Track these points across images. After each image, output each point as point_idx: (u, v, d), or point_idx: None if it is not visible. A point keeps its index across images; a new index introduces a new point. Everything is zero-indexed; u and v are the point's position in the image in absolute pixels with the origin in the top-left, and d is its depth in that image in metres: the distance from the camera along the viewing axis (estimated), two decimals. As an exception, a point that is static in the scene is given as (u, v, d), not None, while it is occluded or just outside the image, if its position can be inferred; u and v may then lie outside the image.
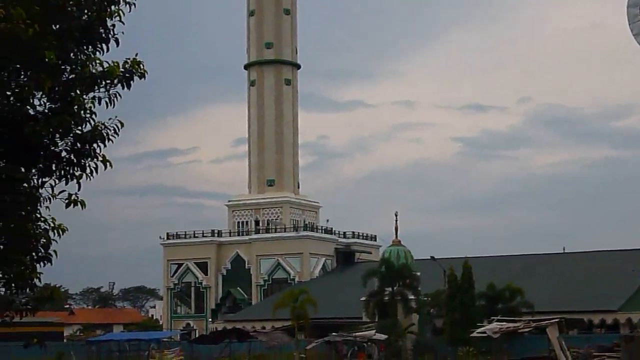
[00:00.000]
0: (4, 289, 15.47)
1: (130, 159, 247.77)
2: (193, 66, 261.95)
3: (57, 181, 15.03)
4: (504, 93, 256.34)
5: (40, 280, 15.57)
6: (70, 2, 14.83)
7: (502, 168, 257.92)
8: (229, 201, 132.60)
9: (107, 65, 15.06)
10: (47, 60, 14.03)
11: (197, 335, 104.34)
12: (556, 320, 56.87)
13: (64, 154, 14.92)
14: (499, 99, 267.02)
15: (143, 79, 15.38)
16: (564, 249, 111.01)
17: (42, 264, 15.33)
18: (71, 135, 14.89)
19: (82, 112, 14.91)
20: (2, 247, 15.06)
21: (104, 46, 15.20)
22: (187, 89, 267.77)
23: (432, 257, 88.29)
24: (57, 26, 14.64)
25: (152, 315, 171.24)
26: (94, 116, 15.06)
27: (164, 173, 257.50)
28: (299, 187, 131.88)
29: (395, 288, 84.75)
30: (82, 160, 14.98)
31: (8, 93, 14.42)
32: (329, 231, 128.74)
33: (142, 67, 15.32)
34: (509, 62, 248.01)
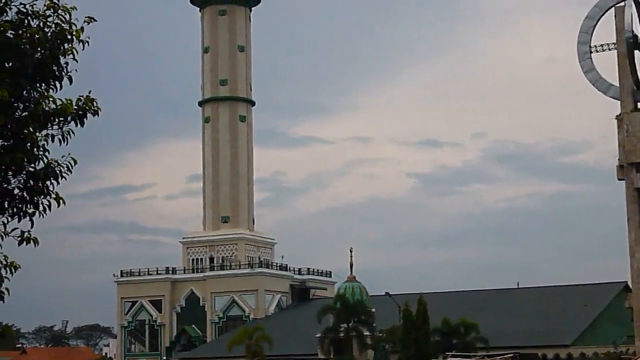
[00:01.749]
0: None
1: (85, 196, 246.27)
2: (148, 103, 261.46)
3: (9, 219, 14.99)
4: (458, 129, 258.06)
5: (-9, 319, 15.48)
6: (24, 40, 14.87)
7: (457, 203, 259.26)
8: (184, 238, 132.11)
9: (61, 102, 15.08)
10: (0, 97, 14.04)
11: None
12: (510, 355, 57.16)
13: (16, 191, 14.90)
14: (454, 135, 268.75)
15: (97, 116, 15.41)
16: (518, 284, 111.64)
17: (-7, 302, 15.25)
18: (24, 172, 14.87)
19: (35, 149, 14.91)
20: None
21: (58, 84, 15.23)
22: (142, 126, 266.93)
23: (387, 293, 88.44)
24: (11, 64, 14.66)
25: (106, 354, 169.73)
26: (47, 154, 15.06)
27: (119, 209, 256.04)
28: (254, 224, 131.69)
29: (350, 324, 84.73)
30: (35, 198, 14.96)
31: (-40, 130, 14.41)
32: (284, 268, 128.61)
33: (95, 105, 15.36)
34: (463, 97, 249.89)
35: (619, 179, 49.29)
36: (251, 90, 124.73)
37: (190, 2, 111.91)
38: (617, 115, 49.94)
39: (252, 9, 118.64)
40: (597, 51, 52.14)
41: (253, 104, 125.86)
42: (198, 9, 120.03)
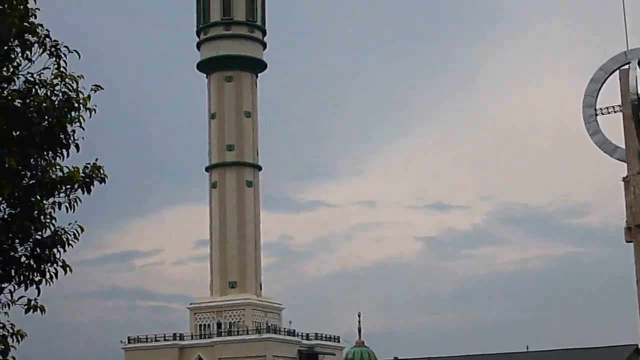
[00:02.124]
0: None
1: (92, 262, 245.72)
2: (155, 168, 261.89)
3: (16, 287, 14.96)
4: (465, 192, 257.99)
5: (-2, 389, 15.39)
6: (31, 108, 14.95)
7: (466, 266, 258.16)
8: (191, 304, 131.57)
9: (68, 170, 15.12)
10: (7, 166, 14.07)
11: None
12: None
13: (23, 259, 14.89)
14: (461, 198, 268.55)
15: (103, 183, 15.44)
16: (527, 348, 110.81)
17: (0, 371, 15.18)
18: (31, 240, 14.87)
19: (42, 217, 14.93)
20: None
21: (65, 151, 15.28)
22: (150, 191, 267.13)
23: (396, 358, 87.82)
24: (18, 132, 14.73)
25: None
26: (54, 221, 15.08)
27: (126, 276, 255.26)
28: (261, 289, 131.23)
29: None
30: (42, 266, 14.94)
31: (-33, 199, 14.43)
32: (291, 333, 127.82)
33: (102, 172, 15.40)
34: (470, 160, 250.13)
35: (627, 241, 49.15)
36: (258, 155, 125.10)
37: (198, 68, 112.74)
38: (623, 178, 49.92)
39: (259, 75, 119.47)
40: (602, 114, 52.28)
41: (260, 168, 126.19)
42: (205, 75, 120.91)
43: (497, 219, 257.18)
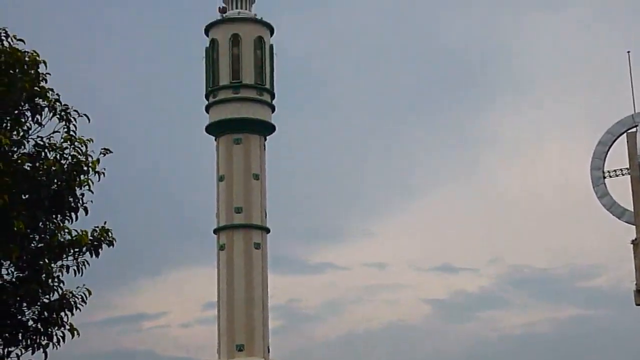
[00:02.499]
0: None
1: (99, 324, 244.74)
2: (163, 231, 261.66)
3: (23, 350, 14.92)
4: (474, 254, 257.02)
5: None
6: (41, 172, 15.03)
7: (474, 329, 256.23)
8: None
9: (76, 233, 15.17)
10: (16, 229, 14.12)
11: None
12: None
13: (31, 323, 14.86)
14: (470, 260, 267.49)
15: (112, 246, 15.47)
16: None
17: None
18: (39, 304, 14.87)
19: (50, 280, 14.94)
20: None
21: (73, 215, 15.34)
22: (157, 254, 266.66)
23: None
24: (27, 196, 14.80)
25: None
26: (62, 285, 15.08)
27: (134, 338, 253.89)
28: (269, 352, 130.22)
29: None
30: (49, 329, 14.92)
31: (-24, 262, 14.46)
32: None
33: (110, 235, 15.45)
34: (478, 222, 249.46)
35: (637, 304, 48.90)
36: (266, 217, 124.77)
37: (206, 131, 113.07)
38: (632, 240, 49.80)
39: (267, 137, 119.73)
40: (610, 176, 52.30)
41: (268, 231, 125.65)
42: (214, 138, 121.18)
43: (505, 281, 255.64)
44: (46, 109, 15.41)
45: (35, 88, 15.30)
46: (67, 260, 15.18)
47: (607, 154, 52.84)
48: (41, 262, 14.92)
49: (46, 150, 15.31)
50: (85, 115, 15.65)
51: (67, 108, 15.56)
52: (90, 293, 15.14)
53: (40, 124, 15.42)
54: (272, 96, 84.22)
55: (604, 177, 52.52)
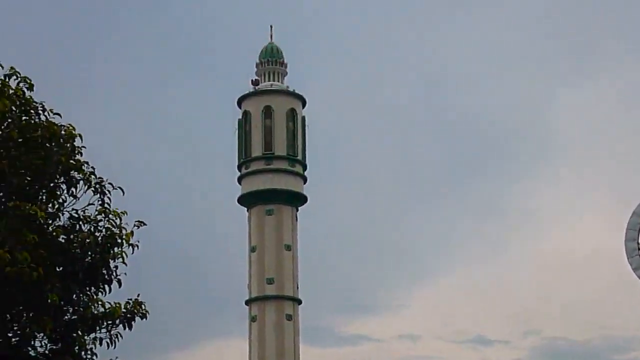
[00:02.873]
0: None
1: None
2: (195, 302, 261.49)
3: (56, 423, 14.91)
4: (508, 326, 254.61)
5: None
6: (75, 244, 15.13)
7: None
8: None
9: (109, 306, 15.21)
10: (49, 301, 14.18)
11: None
12: None
13: (62, 396, 14.87)
14: (504, 333, 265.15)
15: (145, 319, 15.50)
16: None
17: None
18: (72, 376, 14.89)
19: (83, 353, 14.96)
20: None
21: (107, 287, 15.39)
22: (189, 326, 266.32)
23: None
24: (61, 268, 14.88)
25: None
26: (95, 357, 15.10)
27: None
28: None
29: None
30: (83, 401, 14.92)
31: (9, 335, 14.49)
32: None
33: (144, 308, 15.48)
34: (512, 294, 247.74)
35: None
36: (298, 288, 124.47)
37: (238, 202, 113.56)
38: (668, 313, 49.30)
39: (299, 208, 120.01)
40: (645, 248, 51.89)
41: (300, 302, 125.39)
42: (246, 208, 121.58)
43: (540, 354, 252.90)
44: (81, 181, 15.55)
45: (71, 161, 15.47)
46: (100, 332, 15.21)
47: (641, 225, 52.48)
48: (74, 335, 14.96)
49: (81, 222, 15.42)
50: (119, 188, 15.78)
51: (102, 181, 15.70)
52: (122, 366, 15.15)
53: (75, 197, 15.55)
54: (304, 167, 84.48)
55: (639, 249, 52.13)
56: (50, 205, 15.27)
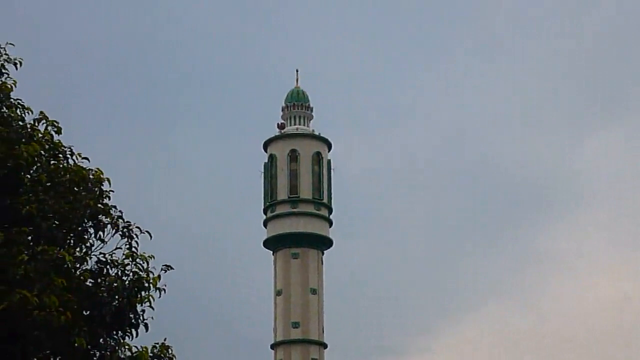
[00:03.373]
0: None
1: None
2: (221, 345, 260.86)
3: None
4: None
5: None
6: (102, 288, 15.18)
7: None
8: None
9: (136, 350, 15.21)
10: (77, 346, 14.19)
11: None
12: None
13: None
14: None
15: (171, 363, 15.49)
16: None
17: None
18: (98, 421, 14.86)
19: (110, 397, 14.95)
20: None
21: (134, 331, 15.40)
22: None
23: None
24: (88, 312, 14.90)
25: None
26: (122, 401, 15.08)
27: None
28: None
29: None
30: None
31: (38, 379, 14.50)
32: None
33: (170, 352, 15.48)
34: (535, 340, 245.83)
35: None
36: (323, 332, 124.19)
37: (264, 245, 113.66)
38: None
39: (325, 252, 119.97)
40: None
41: (325, 346, 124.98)
42: (271, 252, 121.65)
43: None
44: (109, 225, 15.62)
45: (99, 205, 15.55)
46: (128, 376, 15.20)
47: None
48: (102, 379, 14.97)
49: (108, 266, 15.47)
50: (147, 232, 15.83)
51: (130, 225, 15.77)
52: (150, 410, 15.12)
53: (102, 241, 15.62)
54: (330, 211, 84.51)
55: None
56: (78, 249, 15.33)
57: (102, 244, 15.60)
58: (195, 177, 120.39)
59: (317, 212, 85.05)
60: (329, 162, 78.39)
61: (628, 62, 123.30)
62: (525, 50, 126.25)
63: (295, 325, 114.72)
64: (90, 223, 15.45)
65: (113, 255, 15.60)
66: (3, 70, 15.93)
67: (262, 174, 79.06)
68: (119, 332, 15.29)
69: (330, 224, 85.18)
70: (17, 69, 15.98)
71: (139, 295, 15.38)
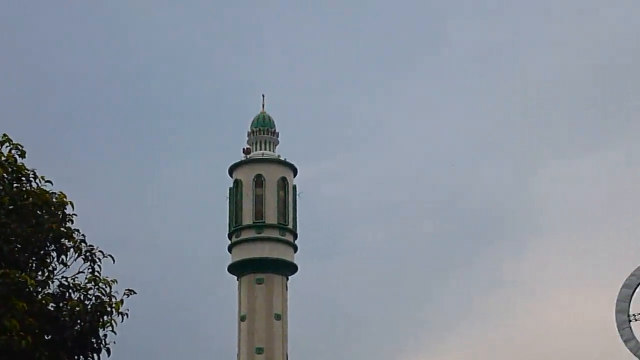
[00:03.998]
0: None
1: None
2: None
3: None
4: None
5: None
6: (64, 312, 15.09)
7: None
8: None
9: (98, 375, 15.13)
10: (38, 371, 14.11)
11: None
12: None
13: None
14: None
15: (133, 389, 15.40)
16: None
17: None
18: None
19: (70, 422, 14.84)
20: None
21: (96, 356, 15.32)
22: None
23: None
24: (50, 336, 14.81)
25: None
26: None
27: None
28: None
29: None
30: None
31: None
32: None
33: (132, 378, 15.39)
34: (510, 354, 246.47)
35: None
36: (287, 358, 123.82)
37: (228, 270, 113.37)
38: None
39: (289, 277, 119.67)
40: (636, 320, 51.88)
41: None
42: (236, 277, 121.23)
43: None
44: (72, 249, 15.57)
45: (62, 229, 15.49)
46: (88, 403, 15.10)
47: (632, 297, 52.53)
48: (62, 404, 14.85)
49: (70, 290, 15.41)
50: (110, 255, 15.79)
51: (92, 249, 15.73)
52: None
53: (65, 265, 15.56)
54: (295, 236, 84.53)
55: (630, 321, 52.09)
56: (40, 272, 15.26)
57: (65, 268, 15.56)
58: (160, 200, 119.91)
59: (282, 237, 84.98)
60: (294, 187, 78.48)
61: (591, 90, 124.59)
62: (487, 77, 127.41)
63: (259, 351, 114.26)
64: (52, 247, 15.40)
65: (75, 279, 15.55)
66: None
67: (228, 199, 78.93)
68: (81, 356, 15.21)
69: (295, 249, 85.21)
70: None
71: (101, 320, 15.32)
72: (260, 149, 75.30)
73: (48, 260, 15.41)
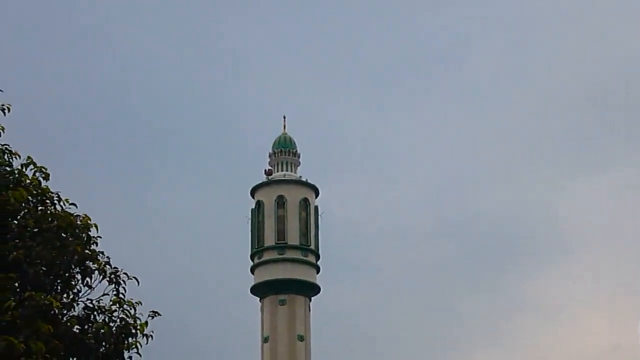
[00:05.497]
0: None
1: None
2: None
3: None
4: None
5: None
6: (89, 335, 15.11)
7: None
8: None
9: (124, 397, 15.14)
10: (63, 393, 14.12)
11: None
12: None
13: None
14: None
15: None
16: None
17: None
18: None
19: None
20: None
21: (121, 377, 15.33)
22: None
23: None
24: (75, 359, 14.83)
25: None
26: None
27: None
28: None
29: None
30: None
31: None
32: None
33: (157, 399, 15.37)
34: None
35: None
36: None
37: (251, 292, 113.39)
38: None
39: (312, 298, 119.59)
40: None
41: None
42: (258, 298, 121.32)
43: None
44: (96, 271, 15.60)
45: (86, 251, 15.53)
46: None
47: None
48: None
49: (95, 312, 15.42)
50: (134, 277, 15.81)
51: (117, 271, 15.76)
52: None
53: (90, 287, 15.59)
54: (317, 257, 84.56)
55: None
56: (65, 295, 15.29)
57: (90, 290, 15.58)
58: (183, 223, 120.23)
59: (305, 258, 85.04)
60: (316, 208, 78.49)
61: (613, 110, 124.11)
62: (507, 98, 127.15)
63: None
64: (77, 269, 15.43)
65: (100, 301, 15.57)
66: (-9, 116, 15.96)
67: (250, 220, 78.97)
68: (106, 378, 15.22)
69: (318, 270, 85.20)
70: (5, 114, 16.01)
71: (126, 342, 15.33)
72: (282, 170, 75.34)
73: (73, 283, 15.44)
